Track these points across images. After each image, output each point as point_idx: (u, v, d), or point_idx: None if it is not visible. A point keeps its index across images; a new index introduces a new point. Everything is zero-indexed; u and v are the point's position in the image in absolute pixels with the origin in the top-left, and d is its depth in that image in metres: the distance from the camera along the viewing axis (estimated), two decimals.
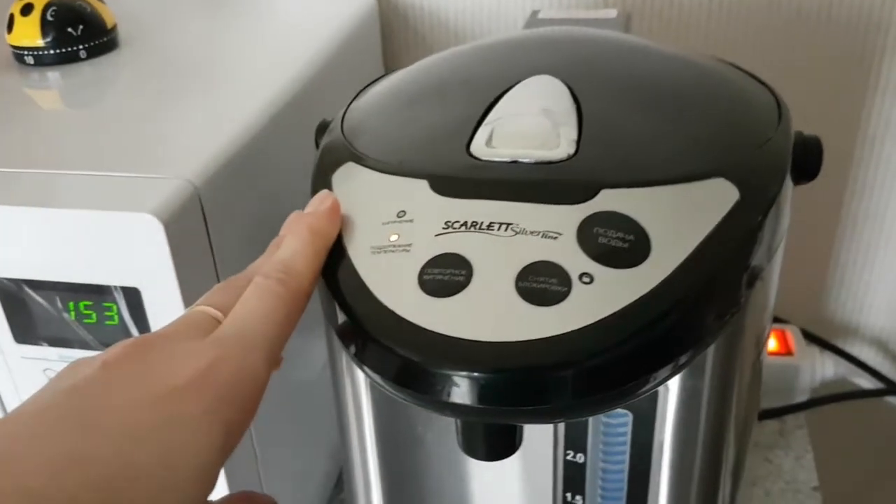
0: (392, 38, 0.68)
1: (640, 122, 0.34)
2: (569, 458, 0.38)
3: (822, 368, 0.64)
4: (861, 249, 0.68)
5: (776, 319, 0.66)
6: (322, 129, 0.40)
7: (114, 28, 0.54)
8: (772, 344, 0.65)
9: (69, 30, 0.51)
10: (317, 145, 0.39)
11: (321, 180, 0.34)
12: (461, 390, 0.26)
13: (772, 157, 0.33)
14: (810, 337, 0.68)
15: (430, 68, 0.41)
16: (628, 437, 0.37)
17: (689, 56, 0.40)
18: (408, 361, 0.27)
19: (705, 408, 0.35)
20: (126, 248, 0.35)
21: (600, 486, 0.38)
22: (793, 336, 0.66)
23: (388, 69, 0.68)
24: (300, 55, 0.52)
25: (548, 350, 0.26)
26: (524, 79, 0.36)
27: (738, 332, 0.34)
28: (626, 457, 0.37)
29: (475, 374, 0.26)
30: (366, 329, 0.28)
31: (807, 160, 0.35)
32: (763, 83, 0.39)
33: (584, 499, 0.38)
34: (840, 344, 0.70)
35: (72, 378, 0.24)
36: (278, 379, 0.30)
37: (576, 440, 0.37)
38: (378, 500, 0.41)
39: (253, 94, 0.46)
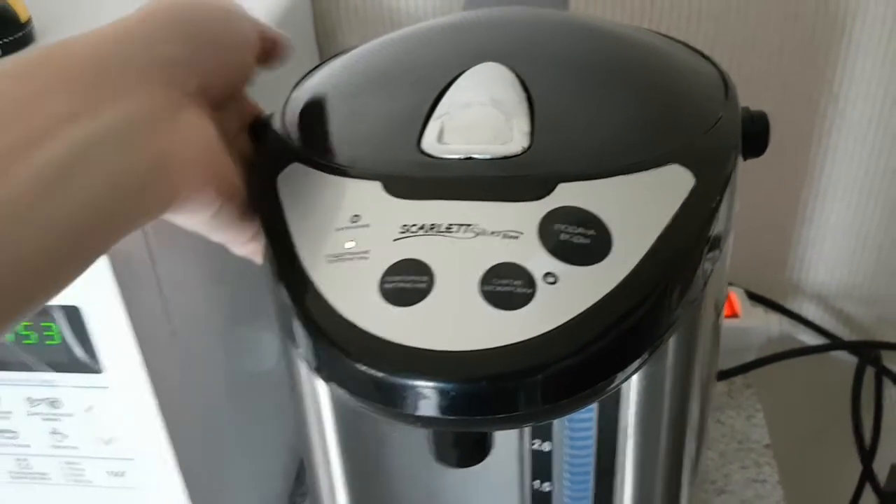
0: (325, 18, 0.65)
1: (590, 108, 0.33)
2: (535, 447, 0.37)
3: (768, 328, 0.66)
4: (800, 206, 0.69)
5: None
6: (255, 127, 0.38)
7: (28, 22, 0.51)
8: None
9: None
10: (253, 141, 0.37)
11: (265, 182, 0.33)
12: (430, 402, 0.25)
13: (723, 138, 0.33)
14: (754, 297, 0.70)
15: (371, 56, 0.39)
16: (594, 422, 0.37)
17: (633, 34, 0.39)
18: (373, 376, 0.26)
19: (668, 381, 0.35)
20: None
21: (568, 471, 0.38)
22: (738, 298, 0.67)
23: (323, 51, 0.66)
24: None
25: (517, 356, 0.25)
26: (469, 66, 0.35)
27: (697, 308, 0.34)
28: (593, 441, 0.37)
29: (444, 385, 0.25)
30: (327, 344, 0.27)
31: (755, 137, 0.36)
32: (707, 58, 0.39)
33: (552, 485, 0.38)
34: (782, 301, 0.72)
35: None
36: (230, 368, 0.29)
37: (542, 429, 0.37)
38: (344, 498, 0.41)
39: None
